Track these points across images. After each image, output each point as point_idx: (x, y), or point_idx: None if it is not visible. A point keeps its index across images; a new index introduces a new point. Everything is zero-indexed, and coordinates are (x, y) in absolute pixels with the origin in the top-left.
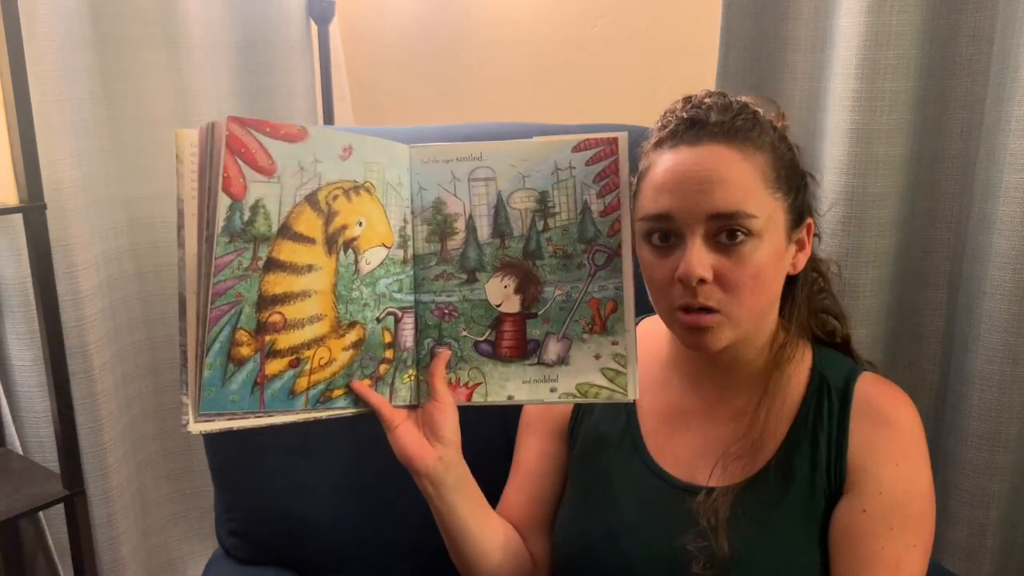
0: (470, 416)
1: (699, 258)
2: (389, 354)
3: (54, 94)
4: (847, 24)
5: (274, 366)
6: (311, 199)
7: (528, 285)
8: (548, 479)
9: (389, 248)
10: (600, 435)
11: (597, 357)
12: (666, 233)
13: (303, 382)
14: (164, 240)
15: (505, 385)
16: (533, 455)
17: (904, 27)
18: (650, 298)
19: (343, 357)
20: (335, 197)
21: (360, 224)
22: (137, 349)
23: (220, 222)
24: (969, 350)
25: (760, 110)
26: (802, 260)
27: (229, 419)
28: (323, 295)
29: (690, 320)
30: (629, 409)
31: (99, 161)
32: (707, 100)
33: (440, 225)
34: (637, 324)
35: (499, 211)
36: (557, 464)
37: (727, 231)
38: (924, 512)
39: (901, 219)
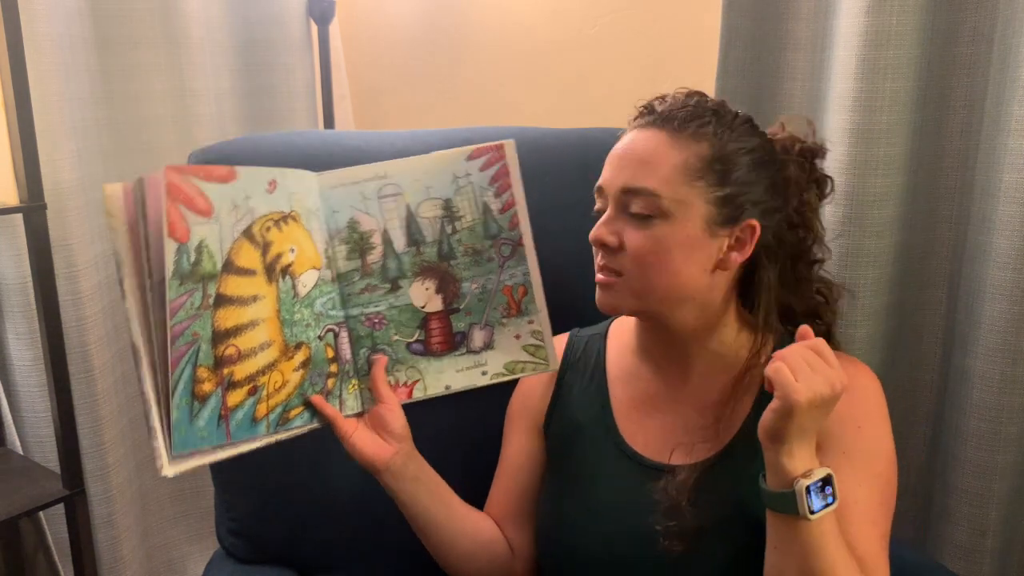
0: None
1: (607, 224)
2: (334, 368)
3: (54, 94)
4: (847, 24)
5: (235, 397)
6: (247, 233)
7: (447, 284)
8: (525, 473)
9: (319, 269)
10: (576, 424)
11: (517, 337)
12: (603, 209)
13: (263, 408)
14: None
15: (440, 377)
16: (512, 449)
17: (904, 27)
18: None
19: (294, 378)
20: (268, 228)
21: (292, 251)
22: None
23: (170, 266)
24: (969, 350)
25: (728, 110)
26: (735, 259)
27: (201, 455)
28: (269, 322)
29: (597, 276)
30: (603, 398)
31: (99, 161)
32: (671, 95)
33: (358, 243)
34: (610, 323)
35: (411, 222)
36: (534, 458)
37: (638, 208)
38: (889, 472)
39: (901, 219)
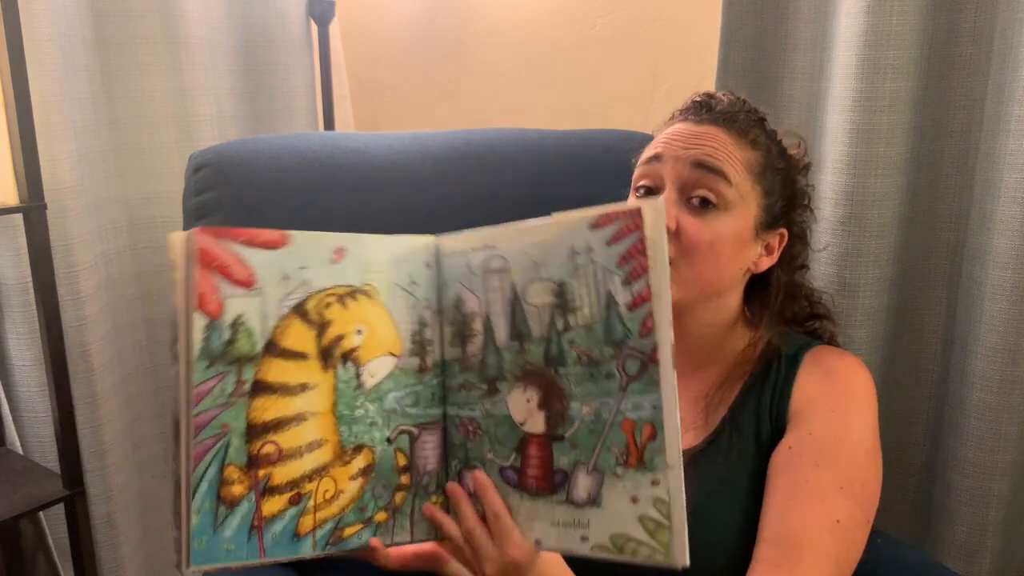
0: None
1: (668, 206)
2: (405, 479)
3: (54, 94)
4: (847, 24)
5: (272, 505)
6: (299, 309)
7: (553, 399)
8: None
9: (398, 357)
10: None
11: (634, 500)
12: (651, 188)
13: (308, 521)
14: (164, 240)
15: (532, 526)
16: None
17: (904, 27)
18: None
19: (351, 488)
20: (327, 305)
21: (359, 333)
22: (137, 349)
23: (197, 345)
24: (969, 350)
25: (768, 122)
26: (765, 263)
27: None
28: (322, 417)
29: None
30: None
31: (99, 161)
32: (722, 95)
33: (461, 326)
34: None
35: (515, 308)
36: None
37: (700, 198)
38: (856, 459)
39: (901, 219)
